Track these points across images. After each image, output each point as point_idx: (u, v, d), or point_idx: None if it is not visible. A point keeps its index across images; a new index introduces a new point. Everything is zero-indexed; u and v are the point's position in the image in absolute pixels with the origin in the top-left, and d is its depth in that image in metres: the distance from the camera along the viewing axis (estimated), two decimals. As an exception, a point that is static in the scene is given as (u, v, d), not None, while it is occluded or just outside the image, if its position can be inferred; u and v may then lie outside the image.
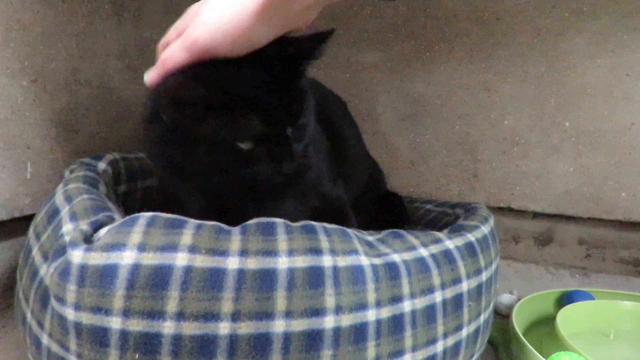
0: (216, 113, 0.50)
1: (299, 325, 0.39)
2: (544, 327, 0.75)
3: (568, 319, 0.68)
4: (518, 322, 0.67)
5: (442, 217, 0.81)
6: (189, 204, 0.59)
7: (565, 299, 0.80)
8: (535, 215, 1.10)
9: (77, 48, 0.85)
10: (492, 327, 0.61)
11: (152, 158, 0.63)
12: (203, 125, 0.50)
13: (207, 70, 0.50)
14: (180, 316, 0.37)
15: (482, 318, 0.54)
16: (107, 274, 0.38)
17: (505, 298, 0.87)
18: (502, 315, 0.84)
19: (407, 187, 1.18)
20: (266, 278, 0.39)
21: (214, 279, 0.38)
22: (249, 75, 0.51)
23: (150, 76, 0.51)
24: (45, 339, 0.42)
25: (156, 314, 0.37)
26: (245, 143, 0.52)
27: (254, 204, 0.57)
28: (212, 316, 0.37)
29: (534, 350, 0.59)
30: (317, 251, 0.43)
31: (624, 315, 0.76)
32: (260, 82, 0.51)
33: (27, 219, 0.66)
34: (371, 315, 0.42)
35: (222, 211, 0.55)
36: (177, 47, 0.48)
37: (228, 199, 0.57)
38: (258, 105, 0.51)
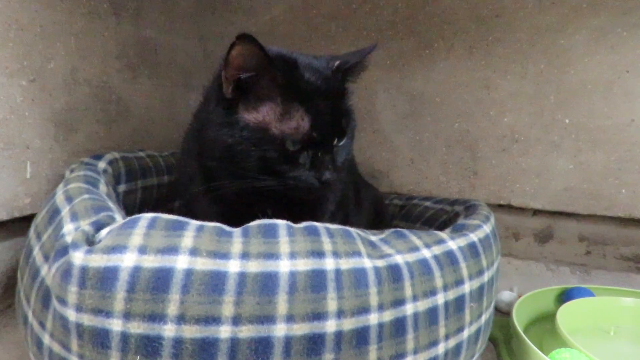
0: (272, 101, 0.53)
1: (301, 329, 0.39)
2: (545, 324, 0.75)
3: (568, 315, 0.69)
4: (518, 319, 0.67)
5: (441, 214, 0.81)
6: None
7: (565, 296, 0.80)
8: (536, 212, 1.10)
9: (76, 47, 0.84)
10: (492, 325, 0.61)
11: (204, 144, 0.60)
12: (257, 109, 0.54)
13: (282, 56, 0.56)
14: (181, 319, 0.37)
15: (483, 318, 0.54)
16: (108, 276, 0.38)
17: (506, 295, 0.87)
18: (502, 312, 0.84)
19: (407, 185, 1.18)
20: (267, 281, 0.39)
21: (214, 282, 0.38)
22: (311, 79, 0.55)
23: None
24: (47, 339, 0.42)
25: (157, 317, 0.37)
26: (294, 144, 0.54)
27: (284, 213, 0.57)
28: (212, 319, 0.37)
29: (534, 347, 0.59)
30: (319, 254, 0.42)
31: (624, 312, 0.76)
32: (317, 88, 0.55)
33: (27, 219, 0.66)
34: (373, 318, 0.42)
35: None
36: None
37: (262, 200, 0.58)
38: (312, 109, 0.54)
